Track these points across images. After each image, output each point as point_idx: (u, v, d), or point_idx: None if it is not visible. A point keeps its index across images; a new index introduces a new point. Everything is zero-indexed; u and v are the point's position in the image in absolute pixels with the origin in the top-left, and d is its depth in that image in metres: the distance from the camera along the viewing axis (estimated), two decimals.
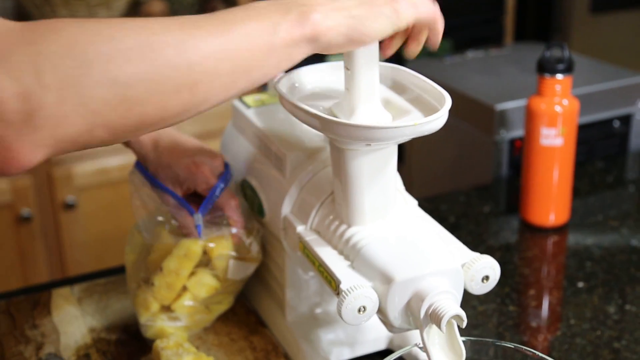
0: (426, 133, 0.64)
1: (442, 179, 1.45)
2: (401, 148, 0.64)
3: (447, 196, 1.20)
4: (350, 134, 0.63)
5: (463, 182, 1.35)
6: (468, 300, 0.91)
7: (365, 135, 0.63)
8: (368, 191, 0.69)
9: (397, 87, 0.71)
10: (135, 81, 0.51)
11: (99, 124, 0.51)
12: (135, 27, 0.52)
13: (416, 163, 1.54)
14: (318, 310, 0.82)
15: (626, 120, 1.34)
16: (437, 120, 0.63)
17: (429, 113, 0.66)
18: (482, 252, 0.68)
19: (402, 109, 0.68)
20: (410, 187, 1.55)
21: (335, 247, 0.70)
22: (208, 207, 0.78)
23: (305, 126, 0.79)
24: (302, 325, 0.80)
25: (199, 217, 0.76)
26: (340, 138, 0.65)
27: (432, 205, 1.17)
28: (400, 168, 0.71)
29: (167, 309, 0.78)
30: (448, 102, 0.64)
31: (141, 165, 0.80)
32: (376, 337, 0.81)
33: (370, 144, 0.65)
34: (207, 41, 0.53)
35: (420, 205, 0.72)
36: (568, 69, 1.02)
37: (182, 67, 0.52)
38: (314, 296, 0.81)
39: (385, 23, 0.58)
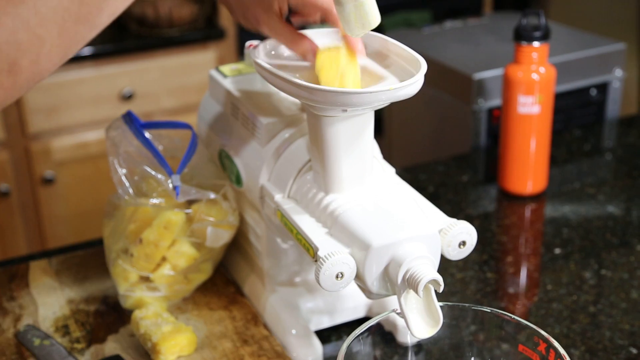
0: (402, 98, 0.64)
1: (421, 149, 1.46)
2: (380, 119, 0.65)
3: (426, 166, 1.20)
4: (326, 99, 0.63)
5: (443, 152, 1.36)
6: (446, 267, 0.92)
7: (341, 100, 0.62)
8: (345, 158, 0.68)
9: (373, 54, 0.71)
10: (48, 23, 0.52)
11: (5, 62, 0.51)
12: None
13: (396, 134, 1.54)
14: (297, 279, 0.82)
15: (603, 88, 1.34)
16: (413, 85, 0.63)
17: (404, 78, 0.65)
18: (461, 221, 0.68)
19: (378, 75, 0.68)
20: (389, 157, 1.55)
21: (313, 215, 0.70)
22: (183, 168, 0.77)
23: (282, 94, 0.79)
24: (281, 295, 0.80)
25: (176, 178, 0.76)
26: (316, 104, 0.64)
27: (411, 175, 1.17)
28: (380, 139, 0.71)
29: (146, 279, 0.78)
30: (423, 67, 0.64)
31: (132, 115, 0.79)
32: (355, 305, 0.81)
33: (346, 110, 0.65)
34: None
35: (400, 175, 0.73)
36: (544, 37, 1.03)
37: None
38: (292, 265, 0.81)
39: None
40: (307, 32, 0.70)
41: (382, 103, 0.64)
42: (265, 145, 0.76)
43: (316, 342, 0.76)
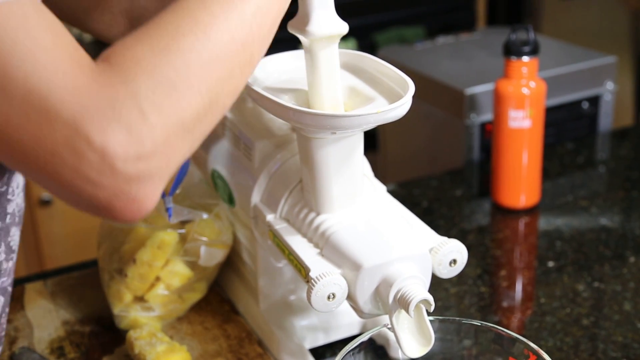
0: (390, 120, 0.65)
1: (416, 164, 1.46)
2: (374, 135, 0.65)
3: (419, 181, 1.21)
4: (316, 122, 0.64)
5: (437, 167, 1.36)
6: (440, 283, 0.93)
7: (330, 123, 0.63)
8: (335, 179, 0.69)
9: (362, 74, 0.72)
10: (217, 83, 0.52)
11: (196, 139, 0.52)
12: (191, 34, 0.51)
13: (390, 150, 1.55)
14: (292, 297, 0.82)
15: (595, 101, 1.35)
16: (400, 108, 0.64)
17: (393, 100, 0.66)
18: (454, 235, 0.69)
19: (366, 96, 0.69)
20: (384, 173, 1.57)
21: (304, 235, 0.71)
22: (176, 189, 0.78)
23: (272, 116, 0.80)
24: (276, 313, 0.81)
25: (169, 200, 0.77)
26: (306, 127, 0.65)
27: (405, 190, 1.18)
28: (375, 155, 0.72)
29: (140, 299, 0.78)
30: (411, 88, 0.65)
31: None
32: (350, 322, 0.82)
33: (335, 132, 0.65)
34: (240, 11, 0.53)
35: (394, 190, 0.74)
36: (534, 51, 1.04)
37: (239, 46, 0.53)
38: (287, 284, 0.82)
39: None
40: (273, 57, 0.72)
41: (370, 125, 0.65)
42: (257, 166, 0.77)
43: (310, 359, 0.77)
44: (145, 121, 0.47)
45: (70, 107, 0.46)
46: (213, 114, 0.53)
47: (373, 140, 1.73)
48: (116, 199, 0.48)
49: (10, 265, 0.66)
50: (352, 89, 0.70)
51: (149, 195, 0.49)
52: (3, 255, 0.64)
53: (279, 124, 0.79)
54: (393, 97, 0.67)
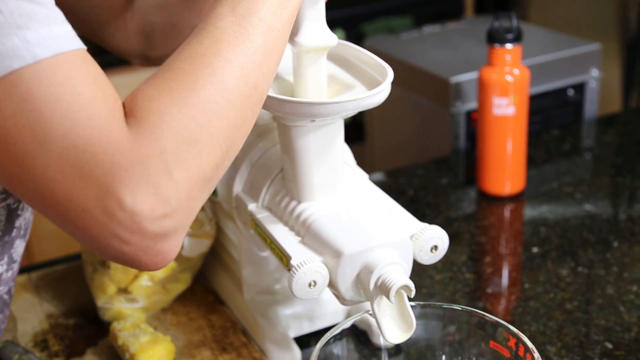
0: (369, 107, 0.65)
1: (403, 154, 1.47)
2: (361, 126, 0.65)
3: (405, 170, 1.21)
4: (295, 110, 0.64)
5: (424, 156, 1.37)
6: (425, 270, 0.93)
7: (309, 111, 0.63)
8: (316, 167, 0.69)
9: (342, 62, 0.72)
10: (233, 130, 0.53)
11: (214, 185, 0.54)
12: (210, 84, 0.52)
13: (377, 141, 1.55)
14: (276, 287, 0.83)
15: (580, 88, 1.36)
16: (379, 95, 0.64)
17: (372, 87, 0.66)
18: (440, 223, 0.69)
19: (346, 84, 0.69)
20: (372, 164, 1.57)
21: (286, 224, 0.71)
22: None
23: None
24: (260, 302, 0.81)
25: None
26: (285, 115, 0.65)
27: (391, 179, 1.18)
28: (362, 146, 0.72)
29: (124, 291, 0.78)
30: (390, 75, 0.65)
31: None
32: (334, 310, 0.82)
33: (314, 120, 0.65)
34: (250, 50, 0.54)
35: (379, 180, 0.74)
36: (517, 39, 1.04)
37: (252, 90, 0.55)
38: (271, 273, 0.82)
39: None
40: None
41: (349, 112, 0.65)
42: (238, 155, 0.76)
43: (295, 347, 0.77)
44: (171, 179, 0.49)
45: (103, 166, 0.47)
46: (229, 159, 0.55)
47: (360, 132, 1.73)
48: (142, 254, 0.49)
49: (9, 275, 0.66)
50: (332, 77, 0.70)
51: (173, 247, 0.51)
52: (5, 267, 0.64)
53: (260, 114, 0.79)
54: (372, 84, 0.67)
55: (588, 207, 1.07)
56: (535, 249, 0.98)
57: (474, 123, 1.28)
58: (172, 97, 0.50)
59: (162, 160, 0.48)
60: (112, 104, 0.49)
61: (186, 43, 0.54)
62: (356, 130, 1.83)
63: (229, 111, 0.52)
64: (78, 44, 0.49)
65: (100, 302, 0.78)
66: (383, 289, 0.63)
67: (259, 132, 0.77)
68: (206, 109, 0.51)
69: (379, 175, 1.18)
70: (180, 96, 0.50)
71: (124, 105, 0.50)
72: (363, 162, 0.80)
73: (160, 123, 0.49)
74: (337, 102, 0.63)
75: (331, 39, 0.65)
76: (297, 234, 0.69)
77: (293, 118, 0.66)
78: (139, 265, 0.51)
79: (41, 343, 0.77)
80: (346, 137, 0.81)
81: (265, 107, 0.65)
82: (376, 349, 0.72)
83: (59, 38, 0.47)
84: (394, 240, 0.66)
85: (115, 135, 0.48)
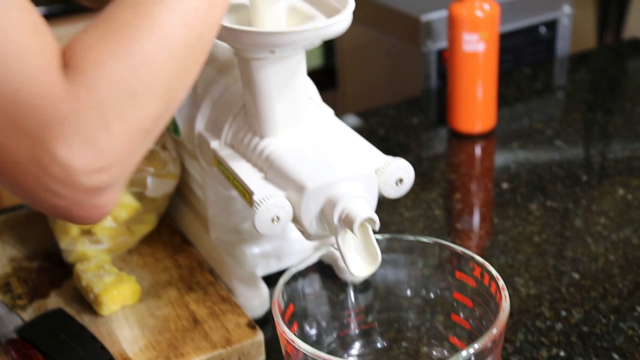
0: (330, 37, 0.63)
1: (376, 97, 1.45)
2: (333, 71, 0.64)
3: (376, 111, 1.20)
4: (253, 41, 0.62)
5: (397, 98, 1.35)
6: (395, 207, 0.93)
7: (268, 41, 0.62)
8: (278, 101, 0.68)
9: None
10: (175, 81, 0.51)
11: (154, 138, 0.52)
12: (151, 35, 0.50)
13: (350, 86, 1.53)
14: (244, 226, 0.82)
15: (552, 25, 1.34)
16: (339, 24, 0.62)
17: (333, 17, 0.64)
18: (410, 162, 0.68)
19: (307, 15, 0.67)
20: (345, 109, 1.55)
21: (249, 160, 0.70)
22: None
23: (216, 41, 0.78)
24: (227, 242, 0.80)
25: None
26: (244, 46, 0.64)
27: (361, 119, 1.17)
28: (334, 92, 0.70)
29: (87, 232, 0.77)
30: (351, 4, 0.63)
31: None
32: (302, 248, 0.81)
33: (274, 51, 0.64)
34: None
35: (350, 121, 0.73)
36: None
37: (195, 40, 0.52)
38: (238, 212, 0.81)
39: None
40: None
41: (310, 42, 0.63)
42: (200, 93, 0.75)
43: (262, 285, 0.77)
44: (108, 132, 0.47)
45: (37, 118, 0.45)
46: (170, 111, 0.52)
47: (332, 78, 1.71)
48: (77, 208, 0.48)
49: None
50: (292, 8, 0.68)
51: (109, 201, 0.50)
52: None
53: (221, 49, 0.77)
54: (333, 14, 0.65)
55: (558, 142, 1.06)
56: (505, 185, 0.97)
57: (445, 62, 1.27)
58: (111, 47, 0.48)
59: (99, 113, 0.47)
60: (50, 54, 0.47)
61: None
62: (328, 76, 1.81)
63: (170, 62, 0.50)
64: None
65: (64, 244, 0.77)
66: (347, 222, 0.62)
67: (220, 69, 0.75)
68: (146, 59, 0.49)
69: (349, 118, 1.17)
70: (120, 46, 0.48)
71: (62, 55, 0.48)
72: (335, 108, 0.78)
73: (98, 74, 0.47)
74: (296, 31, 0.61)
75: None
76: (260, 170, 0.68)
77: (252, 49, 0.64)
78: (74, 219, 0.50)
79: (4, 286, 0.76)
80: (318, 83, 0.80)
81: (222, 38, 0.63)
82: (344, 285, 0.72)
83: None
84: (358, 173, 0.65)
85: (50, 86, 0.46)
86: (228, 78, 0.74)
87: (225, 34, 0.62)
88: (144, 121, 0.49)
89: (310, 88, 0.75)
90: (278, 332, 0.59)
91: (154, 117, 0.50)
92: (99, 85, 0.47)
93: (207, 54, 0.55)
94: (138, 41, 0.49)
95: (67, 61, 0.48)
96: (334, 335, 0.69)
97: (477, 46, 1.05)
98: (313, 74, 0.81)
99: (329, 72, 1.76)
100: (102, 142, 0.47)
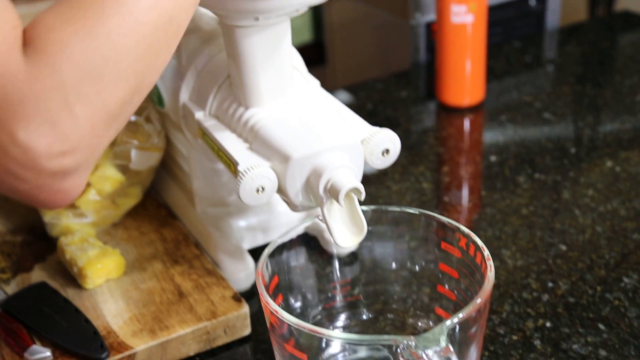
0: (315, 3, 0.62)
1: (366, 72, 1.44)
2: (322, 46, 0.63)
3: (364, 84, 1.19)
4: (237, 7, 0.61)
5: (387, 72, 1.34)
6: (382, 180, 0.92)
7: (252, 7, 0.61)
8: (263, 71, 0.67)
9: None
10: (144, 65, 0.50)
11: (122, 122, 0.50)
12: (118, 15, 0.48)
13: (339, 61, 1.52)
14: (230, 199, 0.81)
15: None
16: None
17: None
18: (398, 135, 0.67)
19: None
20: (334, 84, 1.54)
21: (234, 131, 0.69)
22: None
23: (201, 10, 0.77)
24: (213, 214, 0.79)
25: None
26: (228, 13, 0.62)
27: (350, 93, 1.16)
28: (324, 68, 0.69)
29: (71, 206, 0.76)
30: None
31: None
32: (288, 221, 0.81)
33: (258, 18, 0.63)
34: None
35: (339, 94, 0.72)
36: None
37: (167, 22, 0.50)
38: (224, 185, 0.80)
39: None
40: None
41: (294, 8, 0.62)
42: (184, 63, 0.74)
43: (248, 258, 0.76)
44: (71, 115, 0.46)
45: None
46: (140, 95, 0.51)
47: (321, 53, 1.69)
48: (39, 192, 0.47)
49: None
50: None
51: (74, 186, 0.48)
52: None
53: (206, 19, 0.76)
54: None
55: (547, 115, 1.06)
56: (493, 158, 0.97)
57: (434, 35, 1.26)
58: (75, 27, 0.47)
59: (61, 94, 0.45)
60: (9, 31, 0.45)
61: None
62: (317, 51, 1.79)
63: (139, 44, 0.49)
64: None
65: (47, 217, 0.76)
66: (332, 192, 0.62)
67: (204, 38, 0.74)
68: (112, 41, 0.47)
69: (339, 94, 1.16)
70: (84, 26, 0.47)
71: (24, 34, 0.47)
72: (325, 83, 0.77)
73: (61, 54, 0.46)
74: None
75: None
76: (245, 140, 0.67)
77: (236, 16, 0.63)
78: (38, 203, 0.49)
79: None
80: (307, 59, 0.79)
81: (206, 5, 0.62)
82: (330, 258, 0.71)
83: None
84: (344, 143, 0.64)
85: (9, 66, 0.44)
86: (212, 47, 0.73)
87: (209, 0, 0.61)
88: (111, 105, 0.48)
89: (296, 59, 0.74)
90: (262, 303, 0.58)
91: (121, 101, 0.49)
92: (60, 66, 0.46)
93: (180, 37, 0.53)
94: (103, 22, 0.47)
95: (29, 41, 0.46)
96: (320, 307, 0.69)
97: (466, 18, 1.03)
98: (302, 50, 0.80)
99: (318, 48, 1.74)
100: (64, 125, 0.46)
